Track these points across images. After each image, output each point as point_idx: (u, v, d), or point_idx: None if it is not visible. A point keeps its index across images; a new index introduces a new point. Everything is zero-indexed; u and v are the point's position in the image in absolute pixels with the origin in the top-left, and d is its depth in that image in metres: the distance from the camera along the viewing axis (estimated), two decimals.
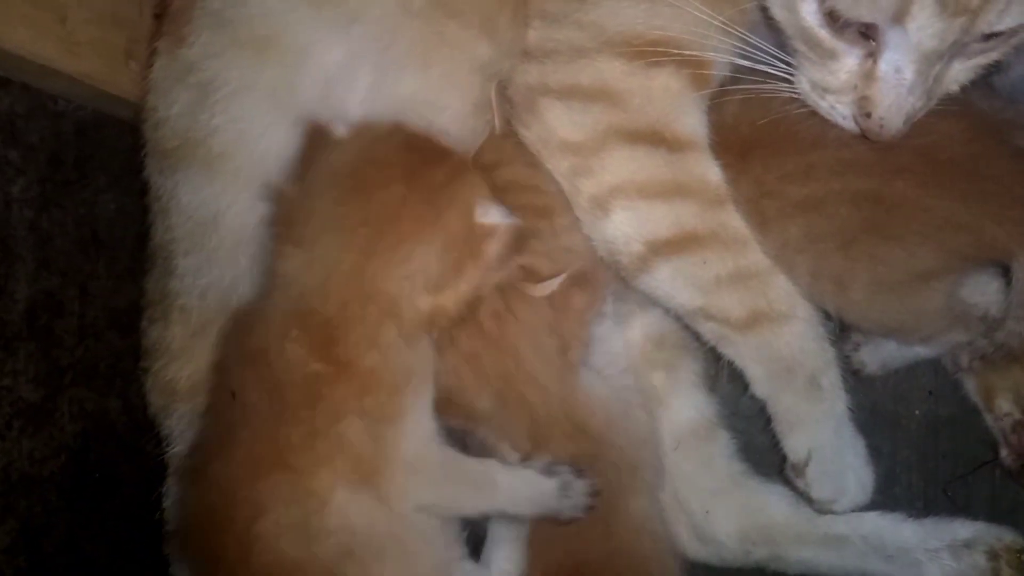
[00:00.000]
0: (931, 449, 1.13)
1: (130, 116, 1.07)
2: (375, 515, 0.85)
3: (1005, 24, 0.81)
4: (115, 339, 1.11)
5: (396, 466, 0.85)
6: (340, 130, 0.91)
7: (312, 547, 0.83)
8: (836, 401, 0.95)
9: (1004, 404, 1.06)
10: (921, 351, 1.06)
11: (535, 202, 0.97)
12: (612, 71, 0.92)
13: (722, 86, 0.96)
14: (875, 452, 0.97)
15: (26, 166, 1.01)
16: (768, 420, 0.99)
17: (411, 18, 0.97)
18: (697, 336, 0.98)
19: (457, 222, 0.87)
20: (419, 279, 0.86)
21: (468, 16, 0.97)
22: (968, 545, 1.03)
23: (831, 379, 0.94)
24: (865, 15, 0.82)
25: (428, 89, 0.98)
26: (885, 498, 0.97)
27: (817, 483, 0.96)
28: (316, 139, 0.91)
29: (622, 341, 1.08)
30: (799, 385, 0.94)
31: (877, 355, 1.07)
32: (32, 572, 1.00)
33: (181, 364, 1.02)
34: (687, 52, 0.90)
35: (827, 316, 0.96)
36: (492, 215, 0.89)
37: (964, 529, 1.04)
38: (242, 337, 0.89)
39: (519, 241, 0.91)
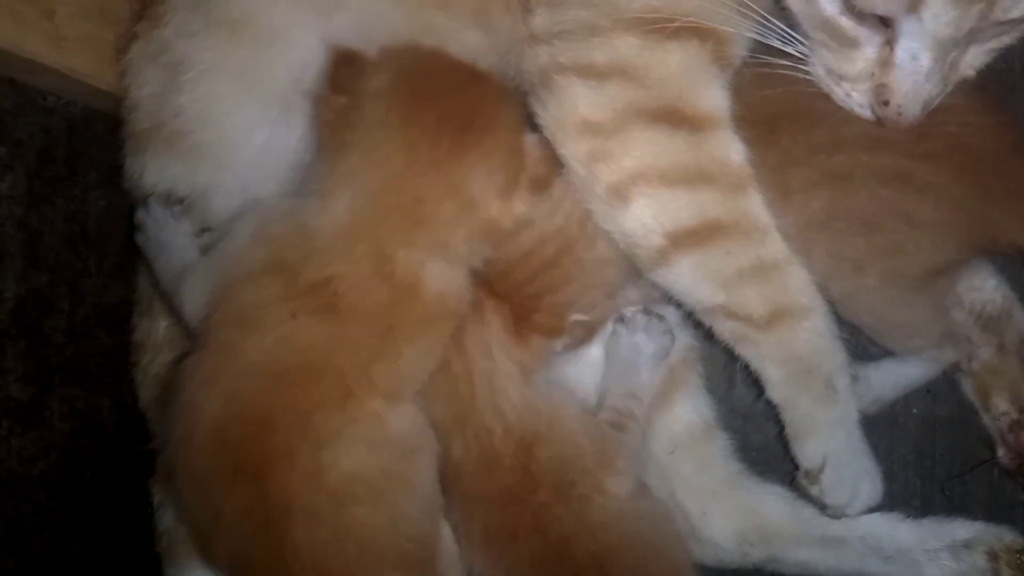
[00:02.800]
0: (929, 448, 1.12)
1: (120, 112, 1.06)
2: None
3: (1021, 10, 0.81)
4: (105, 337, 1.10)
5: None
6: (371, 54, 0.92)
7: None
8: (849, 405, 0.94)
9: (1001, 403, 1.05)
10: (914, 375, 1.06)
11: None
12: (628, 47, 0.89)
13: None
14: (873, 451, 0.97)
15: (15, 162, 1.00)
16: (766, 418, 0.99)
17: (396, 8, 0.96)
18: (712, 338, 0.96)
19: (513, 132, 0.90)
20: (492, 181, 0.87)
21: (457, 6, 0.96)
22: (967, 545, 1.03)
23: (844, 381, 0.93)
24: (880, 6, 0.82)
25: None
26: (882, 497, 0.97)
27: (832, 489, 0.95)
28: (345, 62, 0.91)
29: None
30: (816, 387, 0.93)
31: (868, 389, 1.06)
32: (22, 572, 1.00)
33: (168, 355, 1.02)
34: (704, 26, 0.88)
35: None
36: (531, 136, 0.92)
37: (963, 529, 1.04)
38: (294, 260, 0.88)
39: (545, 176, 0.92)
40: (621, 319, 1.02)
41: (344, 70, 0.91)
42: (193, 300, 0.92)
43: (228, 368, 0.86)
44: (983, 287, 1.05)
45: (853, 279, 0.92)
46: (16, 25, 0.95)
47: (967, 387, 1.08)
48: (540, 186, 0.91)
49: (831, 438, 0.94)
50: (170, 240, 1.00)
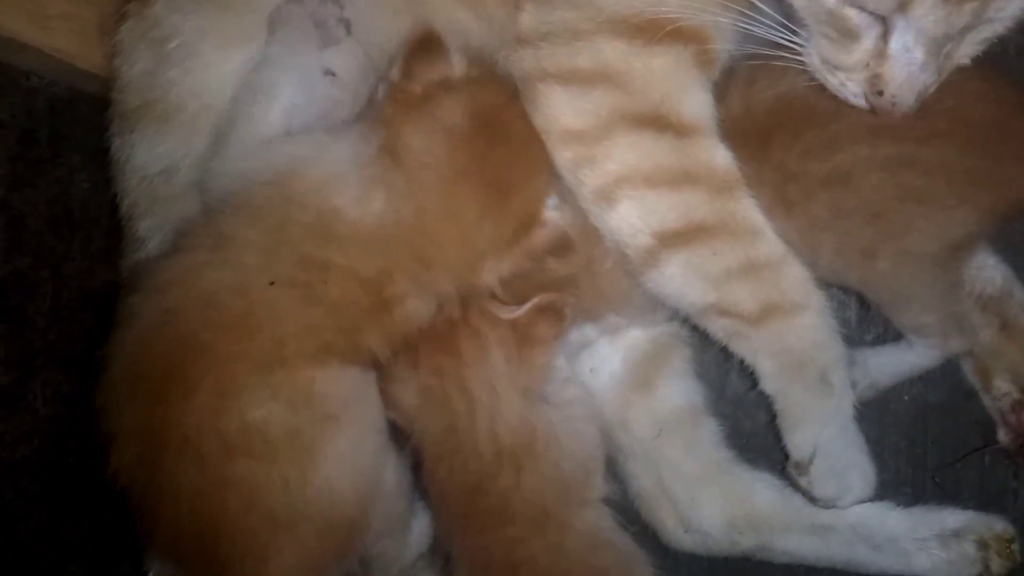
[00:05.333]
0: (920, 435, 1.12)
1: (105, 93, 1.05)
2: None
3: (1017, 6, 0.83)
4: (90, 322, 1.10)
5: None
6: (458, 63, 0.92)
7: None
8: (844, 398, 0.94)
9: (1002, 384, 1.05)
10: (913, 361, 1.05)
11: None
12: (612, 51, 0.89)
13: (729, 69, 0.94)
14: (863, 438, 0.96)
15: None
16: (756, 405, 0.99)
17: None
18: (706, 335, 0.95)
19: (537, 200, 0.92)
20: (499, 243, 0.89)
21: None
22: (957, 534, 1.02)
23: (840, 375, 0.93)
24: (870, 5, 0.83)
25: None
26: (874, 489, 0.96)
27: (821, 481, 0.95)
28: (429, 46, 0.92)
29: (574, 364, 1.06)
30: (810, 380, 0.92)
31: (866, 374, 1.06)
32: (7, 556, 0.99)
33: None
34: (688, 28, 0.88)
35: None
36: (553, 208, 0.93)
37: (953, 518, 1.03)
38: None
39: (562, 246, 0.93)
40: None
41: (422, 56, 0.91)
42: (220, 174, 0.94)
43: (182, 287, 0.86)
44: (983, 267, 1.04)
45: (865, 266, 0.92)
46: None
47: (967, 369, 1.07)
48: (537, 256, 0.93)
49: (822, 430, 0.94)
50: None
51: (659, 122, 0.89)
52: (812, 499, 0.98)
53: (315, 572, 0.89)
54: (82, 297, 1.09)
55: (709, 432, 1.08)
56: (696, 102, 0.91)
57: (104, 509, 1.08)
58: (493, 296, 0.93)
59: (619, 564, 0.96)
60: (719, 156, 0.91)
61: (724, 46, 0.92)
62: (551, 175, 0.93)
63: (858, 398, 0.97)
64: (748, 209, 0.91)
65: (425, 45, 0.92)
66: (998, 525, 1.03)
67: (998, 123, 0.91)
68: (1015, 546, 1.02)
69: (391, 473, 0.94)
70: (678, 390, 1.08)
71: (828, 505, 0.98)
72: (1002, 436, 1.06)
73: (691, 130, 0.90)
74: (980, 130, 0.91)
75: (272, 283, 0.85)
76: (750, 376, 0.95)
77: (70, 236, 1.08)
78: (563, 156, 0.92)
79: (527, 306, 0.93)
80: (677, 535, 1.07)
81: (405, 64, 0.91)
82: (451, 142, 0.89)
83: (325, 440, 0.87)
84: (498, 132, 0.91)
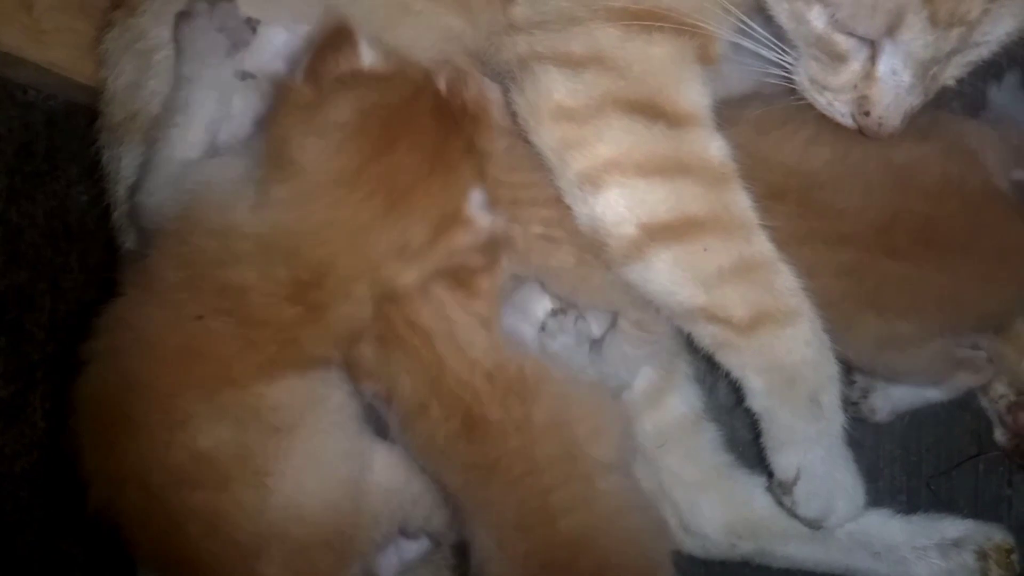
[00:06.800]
0: (914, 443, 1.12)
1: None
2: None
3: (1002, 31, 0.85)
4: (89, 334, 1.10)
5: None
6: (367, 56, 0.88)
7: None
8: (833, 421, 0.91)
9: (999, 386, 1.06)
10: (933, 395, 1.06)
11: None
12: (608, 38, 0.87)
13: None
14: (859, 446, 0.95)
15: None
16: (751, 414, 0.96)
17: None
18: (692, 343, 0.93)
19: (454, 203, 0.86)
20: (405, 251, 0.85)
21: None
22: (957, 544, 1.03)
23: (831, 397, 0.90)
24: (860, 30, 0.84)
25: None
26: (869, 492, 0.95)
27: (804, 502, 0.93)
28: (336, 41, 0.88)
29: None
30: (799, 401, 0.90)
31: (887, 401, 1.06)
32: (6, 568, 1.00)
33: None
34: (686, 22, 0.87)
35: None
36: (477, 206, 0.87)
37: (953, 528, 1.04)
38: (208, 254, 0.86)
39: (489, 249, 0.89)
40: (543, 328, 0.98)
41: (327, 56, 0.88)
42: (146, 207, 0.92)
43: (122, 327, 0.85)
44: None
45: (844, 341, 0.91)
46: None
47: None
48: (462, 255, 0.89)
49: (808, 452, 0.91)
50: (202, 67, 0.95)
51: (652, 110, 0.87)
52: (796, 518, 0.96)
53: None
54: (80, 310, 1.09)
55: (709, 438, 1.08)
56: (692, 93, 0.89)
57: (102, 522, 1.10)
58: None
59: (648, 531, 0.95)
60: (714, 147, 0.89)
61: (722, 51, 0.91)
62: (471, 173, 0.89)
63: (878, 423, 0.98)
64: (742, 203, 0.89)
65: (334, 40, 0.88)
66: (997, 535, 1.03)
67: (966, 239, 0.91)
68: (1014, 556, 1.02)
69: (384, 470, 0.92)
70: (683, 398, 1.08)
71: (813, 526, 0.96)
72: (999, 436, 1.07)
73: (686, 120, 0.88)
74: (943, 247, 0.91)
75: (200, 316, 0.84)
76: (737, 393, 0.93)
77: (68, 249, 1.09)
78: (551, 136, 0.88)
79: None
80: (678, 536, 1.07)
81: (312, 61, 0.88)
82: (337, 143, 0.84)
83: (279, 457, 0.85)
84: (396, 130, 0.85)
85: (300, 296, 0.84)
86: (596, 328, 0.99)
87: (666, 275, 0.88)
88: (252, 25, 0.95)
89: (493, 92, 0.94)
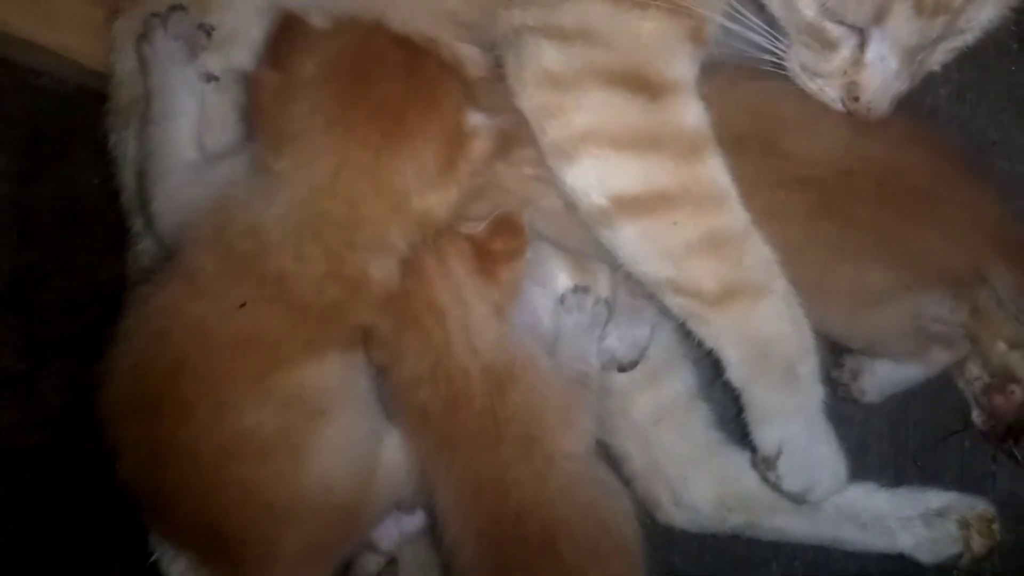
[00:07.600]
0: (901, 418, 1.13)
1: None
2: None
3: (985, 17, 0.88)
4: (98, 313, 1.11)
5: None
6: (316, 21, 0.90)
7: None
8: (811, 394, 0.92)
9: (974, 368, 1.07)
10: (915, 373, 1.06)
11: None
12: (598, 11, 0.88)
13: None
14: (846, 421, 0.98)
15: (7, 140, 1.01)
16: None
17: None
18: (666, 311, 0.94)
19: (451, 117, 0.88)
20: (425, 174, 0.86)
21: None
22: (940, 514, 1.05)
23: (809, 368, 0.91)
24: (849, 18, 0.86)
25: None
26: (856, 467, 0.96)
27: (788, 477, 0.94)
28: (289, 27, 0.90)
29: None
30: (775, 373, 0.90)
31: (875, 382, 1.07)
32: (17, 544, 1.01)
33: None
34: (681, 3, 0.88)
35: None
36: (476, 115, 0.89)
37: (937, 499, 1.06)
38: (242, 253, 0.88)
39: (504, 143, 0.90)
40: (561, 300, 1.02)
41: (284, 41, 0.89)
42: (165, 212, 0.94)
43: (169, 314, 0.88)
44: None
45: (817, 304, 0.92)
46: (7, 3, 0.96)
47: None
48: (484, 164, 0.91)
49: (788, 426, 0.92)
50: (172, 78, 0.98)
51: (636, 82, 0.88)
52: (780, 493, 0.97)
53: (324, 552, 0.91)
54: (90, 290, 1.11)
55: (701, 414, 1.10)
56: (682, 65, 0.90)
57: (116, 495, 1.11)
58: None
59: (604, 504, 0.96)
60: (691, 115, 0.89)
61: (714, 34, 0.92)
62: (457, 89, 0.90)
63: (866, 403, 0.98)
64: (715, 172, 0.89)
65: (286, 25, 0.90)
66: (979, 505, 1.05)
67: (931, 192, 0.93)
68: (995, 526, 1.05)
69: (390, 449, 0.95)
70: (678, 376, 1.09)
71: (797, 500, 0.97)
72: (976, 418, 1.08)
73: (668, 90, 0.89)
74: (908, 197, 0.92)
75: (243, 305, 0.86)
76: (716, 368, 0.93)
77: (78, 230, 1.10)
78: (532, 101, 0.90)
79: (484, 223, 0.93)
80: (669, 511, 1.09)
81: (271, 49, 0.90)
82: (314, 96, 0.86)
83: (316, 434, 0.89)
84: (364, 65, 0.87)
85: (336, 270, 0.86)
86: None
87: (633, 246, 0.90)
88: (206, 29, 0.98)
89: (469, 51, 0.96)
